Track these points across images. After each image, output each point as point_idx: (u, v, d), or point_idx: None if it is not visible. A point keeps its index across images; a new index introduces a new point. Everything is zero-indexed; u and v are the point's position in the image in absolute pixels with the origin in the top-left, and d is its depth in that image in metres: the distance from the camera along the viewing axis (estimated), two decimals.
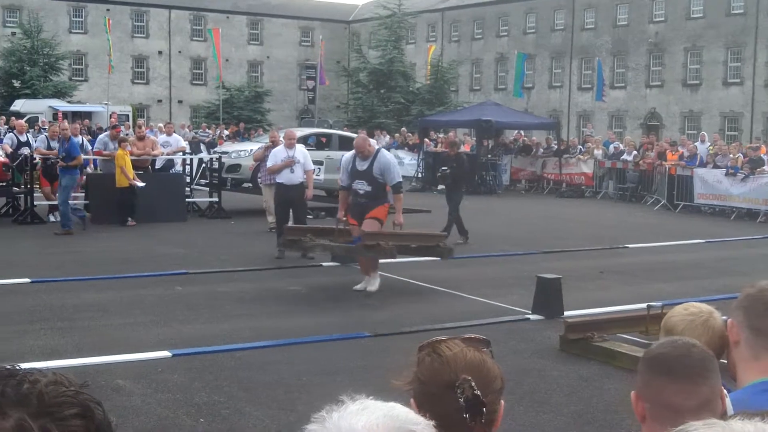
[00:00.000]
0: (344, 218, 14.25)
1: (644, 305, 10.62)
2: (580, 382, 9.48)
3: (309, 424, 1.59)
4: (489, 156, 36.63)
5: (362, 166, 13.93)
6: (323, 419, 1.57)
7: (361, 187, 13.91)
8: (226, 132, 45.28)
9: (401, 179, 14.38)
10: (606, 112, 61.15)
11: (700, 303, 3.72)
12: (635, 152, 33.68)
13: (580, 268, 16.28)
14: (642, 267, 16.93)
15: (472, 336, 2.54)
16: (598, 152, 35.39)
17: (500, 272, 16.17)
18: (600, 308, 11.82)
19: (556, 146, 37.65)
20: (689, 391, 2.50)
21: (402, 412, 1.58)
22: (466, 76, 69.36)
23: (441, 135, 42.29)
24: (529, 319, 12.22)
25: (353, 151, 18.43)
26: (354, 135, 26.69)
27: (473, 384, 2.28)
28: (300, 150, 17.64)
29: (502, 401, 2.36)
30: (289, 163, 17.12)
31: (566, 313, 11.90)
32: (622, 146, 35.33)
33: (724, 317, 3.31)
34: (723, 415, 2.52)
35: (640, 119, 59.93)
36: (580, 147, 37.72)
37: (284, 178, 17.20)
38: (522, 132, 42.21)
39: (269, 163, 17.78)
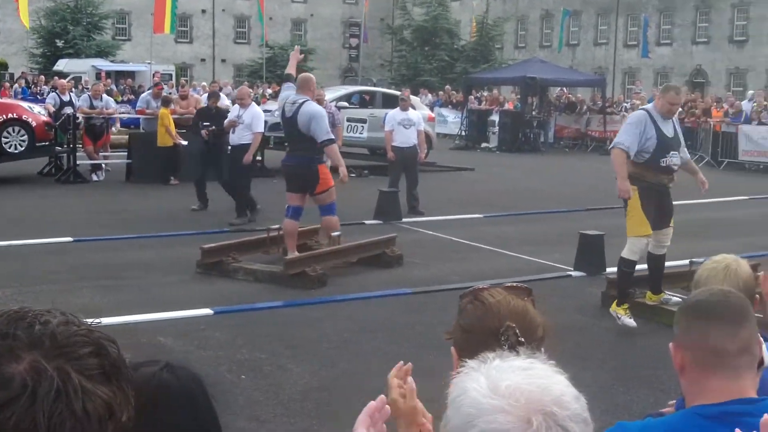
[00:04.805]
0: None
1: (687, 261, 10.58)
2: (622, 338, 9.44)
3: (472, 361, 1.55)
4: (534, 113, 36.39)
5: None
6: (487, 360, 1.53)
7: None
8: (269, 91, 45.27)
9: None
10: (651, 69, 60.41)
11: (726, 254, 3.72)
12: (680, 109, 33.27)
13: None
14: (686, 224, 16.65)
15: (514, 284, 2.53)
16: None
17: (544, 230, 16.07)
18: (643, 265, 11.69)
19: (601, 104, 37.32)
20: (731, 333, 2.52)
21: (558, 389, 1.49)
22: (511, 34, 68.62)
23: (486, 93, 42.08)
24: (571, 276, 12.18)
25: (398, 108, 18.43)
26: (398, 93, 26.62)
27: (517, 331, 2.27)
28: (251, 110, 16.42)
29: (543, 350, 2.33)
30: (232, 124, 16.22)
31: (608, 270, 11.80)
32: None
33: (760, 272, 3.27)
34: (761, 362, 2.52)
35: (686, 76, 59.05)
36: (626, 104, 37.31)
37: (231, 138, 16.40)
38: (566, 89, 41.86)
39: (226, 121, 16.68)
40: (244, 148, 15.94)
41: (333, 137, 12.16)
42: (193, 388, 2.06)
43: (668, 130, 9.96)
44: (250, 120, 16.07)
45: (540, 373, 1.50)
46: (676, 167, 10.19)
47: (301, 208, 12.22)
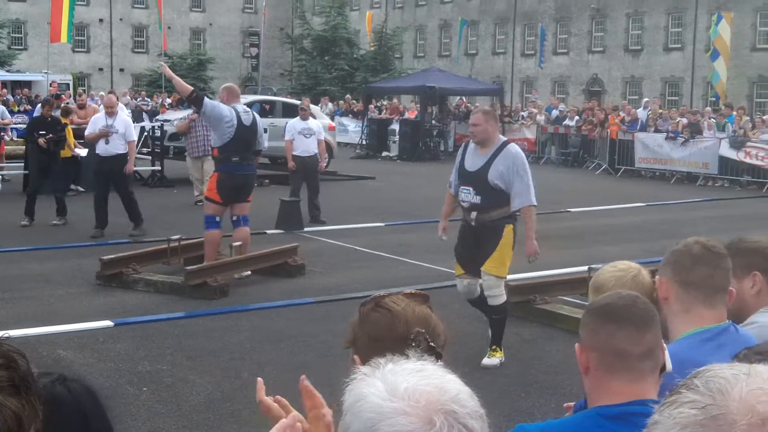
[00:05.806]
0: None
1: (586, 268, 10.73)
2: (522, 344, 9.57)
3: (364, 367, 1.57)
4: (433, 122, 36.74)
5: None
6: (379, 366, 1.54)
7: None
8: (168, 100, 44.83)
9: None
10: (549, 78, 61.33)
11: (627, 261, 3.80)
12: (577, 117, 33.91)
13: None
14: (584, 230, 17.07)
15: (413, 291, 2.56)
16: (541, 118, 35.55)
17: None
18: (542, 271, 11.88)
19: (499, 112, 37.78)
20: (637, 337, 2.59)
21: (454, 388, 1.51)
22: (410, 43, 68.98)
23: (385, 102, 42.30)
24: None
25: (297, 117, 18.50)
26: (298, 102, 26.60)
27: (427, 336, 2.30)
28: (121, 119, 16.13)
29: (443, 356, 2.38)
30: (104, 134, 15.65)
31: (508, 277, 11.94)
32: (564, 111, 35.53)
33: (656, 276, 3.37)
34: (662, 367, 2.60)
35: (583, 85, 60.18)
36: (523, 113, 37.86)
37: (101, 149, 15.75)
38: (465, 98, 42.29)
39: (88, 131, 16.23)
40: (119, 158, 15.63)
41: None
42: (85, 400, 2.06)
43: (473, 163, 8.77)
44: (124, 129, 15.80)
45: (433, 373, 1.53)
46: (465, 204, 8.93)
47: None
